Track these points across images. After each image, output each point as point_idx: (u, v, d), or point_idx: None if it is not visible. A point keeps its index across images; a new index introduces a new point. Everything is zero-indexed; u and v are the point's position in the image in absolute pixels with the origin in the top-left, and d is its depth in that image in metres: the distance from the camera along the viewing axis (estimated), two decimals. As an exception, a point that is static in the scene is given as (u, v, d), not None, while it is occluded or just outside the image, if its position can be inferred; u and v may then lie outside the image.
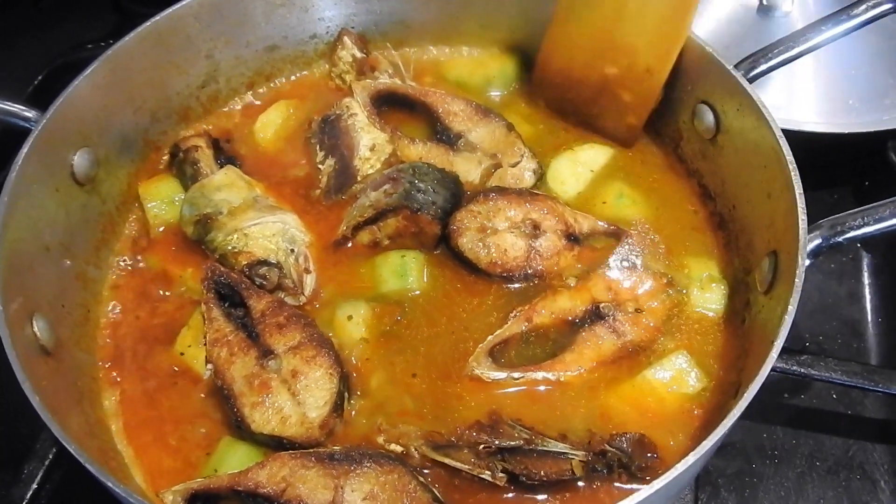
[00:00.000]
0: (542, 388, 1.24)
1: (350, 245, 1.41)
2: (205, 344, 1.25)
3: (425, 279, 1.37)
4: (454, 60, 1.71)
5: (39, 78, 1.89)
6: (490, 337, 1.27)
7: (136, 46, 1.44)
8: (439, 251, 1.40)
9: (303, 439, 1.17)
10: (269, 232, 1.38)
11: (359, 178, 1.46)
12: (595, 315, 1.30)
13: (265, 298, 1.29)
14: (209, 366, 1.24)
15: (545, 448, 1.13)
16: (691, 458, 0.97)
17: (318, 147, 1.52)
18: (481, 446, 1.13)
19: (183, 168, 1.51)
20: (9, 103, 1.35)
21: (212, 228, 1.39)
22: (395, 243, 1.38)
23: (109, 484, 0.96)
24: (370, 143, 1.49)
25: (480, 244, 1.33)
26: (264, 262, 1.35)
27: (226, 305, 1.29)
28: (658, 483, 0.94)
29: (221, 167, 1.50)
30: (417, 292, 1.35)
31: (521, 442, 1.14)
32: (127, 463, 1.22)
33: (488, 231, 1.34)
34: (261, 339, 1.23)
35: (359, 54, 1.64)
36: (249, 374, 1.20)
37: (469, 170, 1.47)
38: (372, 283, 1.37)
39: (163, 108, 1.56)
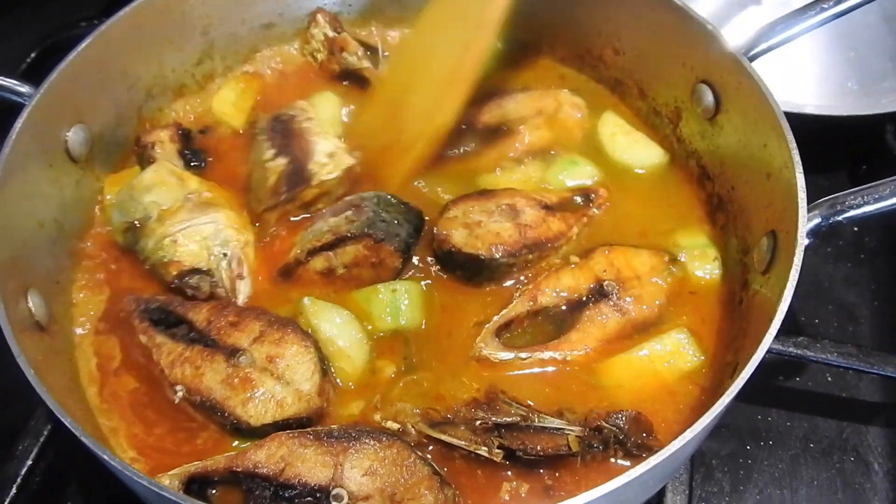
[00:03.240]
0: (548, 368, 1.24)
1: (300, 272, 1.33)
2: (161, 371, 1.21)
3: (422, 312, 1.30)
4: None
5: (33, 55, 1.86)
6: (496, 317, 1.27)
7: (130, 22, 1.43)
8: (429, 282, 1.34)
9: (307, 413, 1.16)
10: (199, 236, 1.32)
11: (313, 183, 1.39)
12: (599, 293, 1.29)
13: (204, 307, 1.26)
14: (178, 388, 1.19)
15: (542, 424, 1.13)
16: (688, 436, 0.97)
17: (267, 144, 1.45)
18: (478, 422, 1.13)
19: (142, 164, 1.46)
20: (2, 78, 1.33)
21: (141, 236, 1.33)
22: (350, 273, 1.33)
23: (105, 457, 0.96)
24: (329, 149, 1.42)
25: (474, 238, 1.31)
26: (195, 271, 1.30)
27: (164, 329, 1.25)
28: (654, 460, 0.94)
29: (187, 162, 1.46)
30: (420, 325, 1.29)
31: (518, 418, 1.13)
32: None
33: (473, 226, 1.32)
34: (219, 343, 1.20)
35: (331, 33, 1.61)
36: (225, 377, 1.17)
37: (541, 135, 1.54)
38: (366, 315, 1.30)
39: (157, 85, 1.54)
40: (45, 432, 1.26)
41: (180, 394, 1.19)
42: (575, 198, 1.43)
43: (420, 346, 1.27)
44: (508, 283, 1.33)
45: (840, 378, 1.50)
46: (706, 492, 1.38)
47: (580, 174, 1.48)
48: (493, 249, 1.30)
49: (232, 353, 1.19)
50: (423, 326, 1.29)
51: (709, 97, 1.41)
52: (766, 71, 1.31)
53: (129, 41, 1.44)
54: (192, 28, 1.55)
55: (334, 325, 1.27)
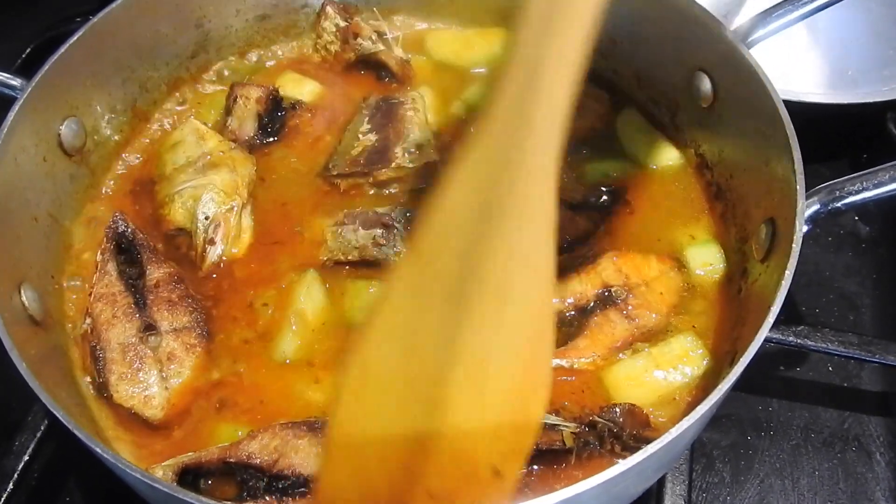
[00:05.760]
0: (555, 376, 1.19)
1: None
2: (90, 294, 1.25)
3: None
4: (439, 37, 1.67)
5: (28, 51, 1.86)
6: None
7: (122, 15, 1.42)
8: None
9: (158, 422, 1.18)
10: (192, 197, 1.35)
11: (391, 166, 1.42)
12: (607, 299, 1.27)
13: (164, 268, 1.28)
14: (88, 321, 1.23)
15: None
16: (685, 424, 0.96)
17: (366, 119, 1.50)
18: None
19: (228, 112, 1.51)
20: (-5, 71, 1.33)
21: (156, 191, 1.39)
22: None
23: (98, 450, 0.95)
24: (420, 140, 1.46)
25: None
26: (181, 231, 1.35)
27: (122, 261, 1.29)
28: (651, 448, 0.93)
29: (263, 127, 1.49)
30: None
31: None
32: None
33: None
34: (148, 309, 1.23)
35: (342, 23, 1.62)
36: (126, 343, 1.20)
37: None
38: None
39: (152, 79, 1.53)
40: (43, 427, 1.25)
41: (86, 325, 1.23)
42: (599, 195, 1.41)
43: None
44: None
45: (841, 367, 1.49)
46: (707, 482, 1.37)
47: (612, 168, 1.47)
48: None
49: (149, 327, 1.22)
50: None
51: (706, 85, 1.40)
52: (764, 59, 1.30)
53: (121, 34, 1.44)
54: (186, 20, 1.54)
55: (314, 303, 1.28)
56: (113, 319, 1.22)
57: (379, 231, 1.33)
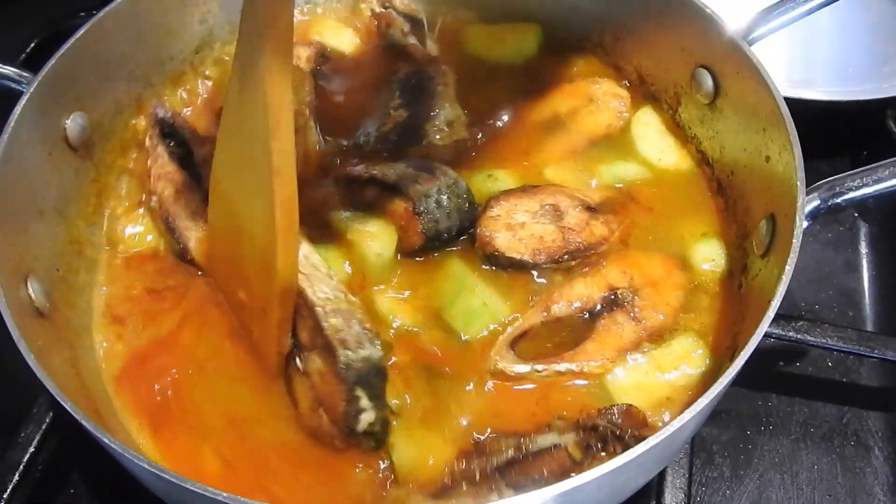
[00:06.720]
0: (565, 379, 1.21)
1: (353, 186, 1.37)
2: (148, 176, 1.36)
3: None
4: (470, 32, 1.67)
5: (33, 45, 1.87)
6: (510, 329, 1.24)
7: (128, 10, 1.42)
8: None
9: None
10: None
11: (423, 143, 1.43)
12: (613, 302, 1.27)
13: (208, 146, 1.32)
14: (154, 198, 1.34)
15: (537, 448, 1.10)
16: (686, 417, 0.97)
17: (396, 93, 1.51)
18: (477, 474, 1.08)
19: None
20: (0, 65, 1.33)
21: None
22: (378, 212, 1.33)
23: (105, 439, 0.96)
24: (451, 117, 1.46)
25: (516, 240, 1.29)
26: None
27: (168, 143, 1.36)
28: (653, 440, 0.94)
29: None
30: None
31: (512, 451, 1.10)
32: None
33: (516, 227, 1.31)
34: (204, 182, 1.28)
35: (378, 9, 1.65)
36: (195, 211, 1.31)
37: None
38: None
39: (157, 74, 1.54)
40: (48, 419, 1.27)
41: (153, 203, 1.36)
42: (614, 196, 1.41)
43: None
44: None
45: (840, 363, 1.50)
46: (706, 476, 1.38)
47: (627, 168, 1.47)
48: (537, 254, 1.29)
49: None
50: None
51: (708, 81, 1.40)
52: (765, 56, 1.31)
53: (126, 29, 1.44)
54: (191, 16, 1.54)
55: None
56: (177, 195, 1.33)
57: (424, 173, 1.32)
